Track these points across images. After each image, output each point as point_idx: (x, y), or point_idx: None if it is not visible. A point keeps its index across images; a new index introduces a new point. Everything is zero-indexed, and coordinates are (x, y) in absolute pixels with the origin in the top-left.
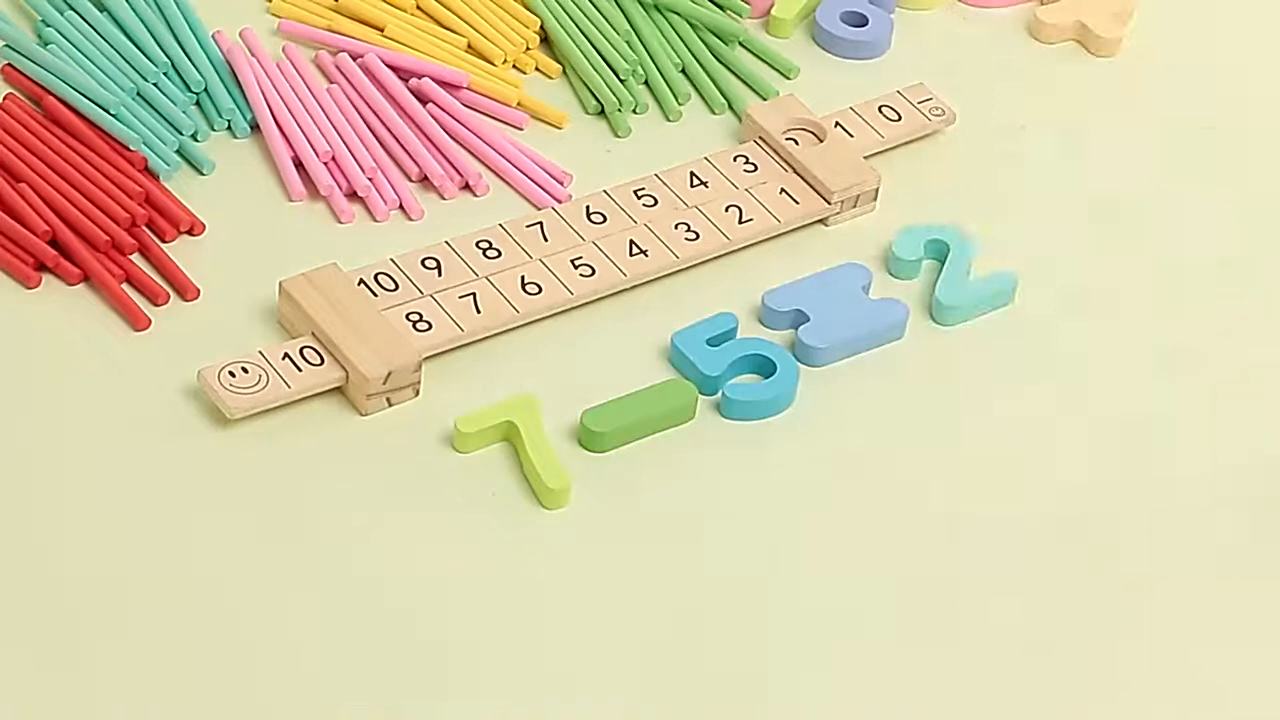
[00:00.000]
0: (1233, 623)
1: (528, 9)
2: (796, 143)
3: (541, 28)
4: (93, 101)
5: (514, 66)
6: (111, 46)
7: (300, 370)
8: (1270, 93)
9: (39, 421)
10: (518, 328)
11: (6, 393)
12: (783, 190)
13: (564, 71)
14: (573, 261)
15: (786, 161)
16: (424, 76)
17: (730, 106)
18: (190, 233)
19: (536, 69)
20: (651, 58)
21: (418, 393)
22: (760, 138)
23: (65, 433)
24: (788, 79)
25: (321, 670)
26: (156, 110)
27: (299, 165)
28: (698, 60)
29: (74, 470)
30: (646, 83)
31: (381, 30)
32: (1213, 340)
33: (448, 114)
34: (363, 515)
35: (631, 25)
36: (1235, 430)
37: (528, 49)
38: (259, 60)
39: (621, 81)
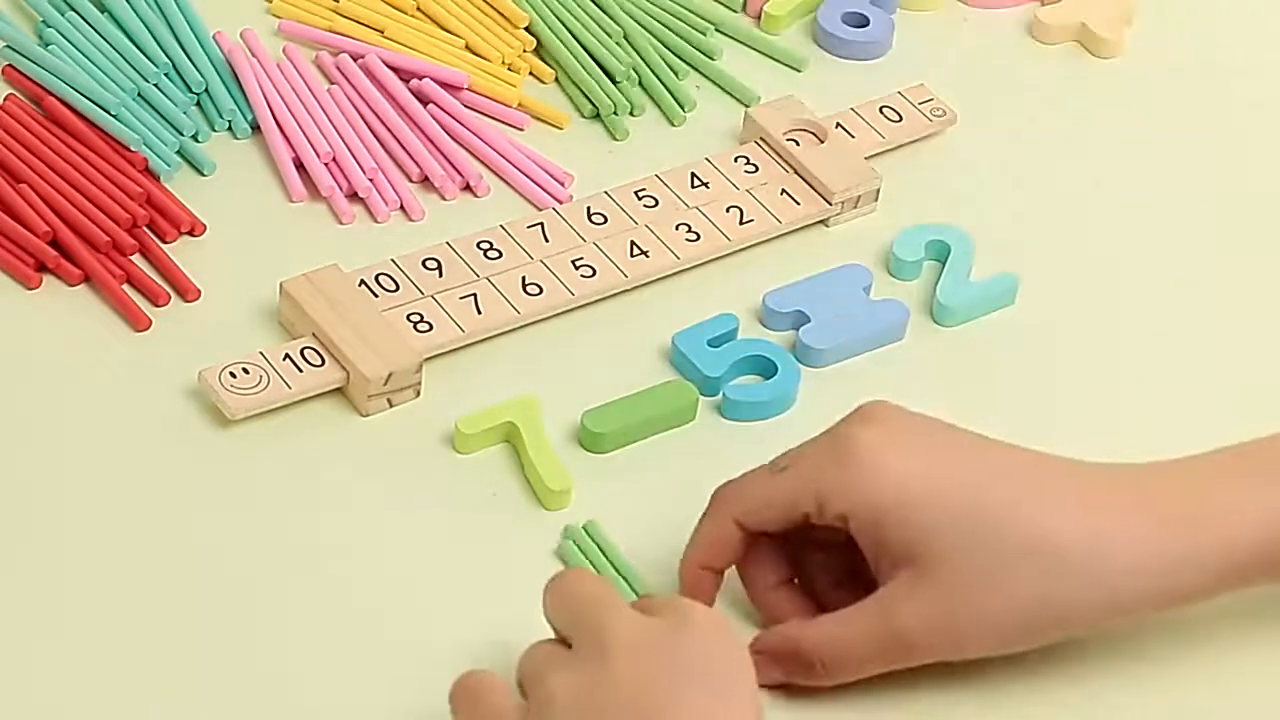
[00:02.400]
0: (1242, 627)
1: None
2: (797, 143)
3: (534, 33)
4: (93, 102)
5: (509, 69)
6: (112, 47)
7: (301, 371)
8: (1270, 93)
9: (39, 421)
10: (518, 328)
11: (6, 393)
12: (784, 191)
13: (556, 78)
14: (574, 262)
15: (787, 162)
16: (424, 77)
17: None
18: (191, 233)
19: (531, 74)
20: (646, 62)
21: (418, 393)
22: (761, 138)
23: (65, 433)
24: (798, 71)
25: (321, 670)
26: (157, 111)
27: (300, 166)
28: (688, 62)
29: (74, 470)
30: (642, 85)
31: (382, 32)
32: (1214, 341)
33: (448, 115)
34: (363, 515)
35: (621, 27)
36: (1236, 431)
37: (525, 51)
38: (260, 61)
39: (616, 84)
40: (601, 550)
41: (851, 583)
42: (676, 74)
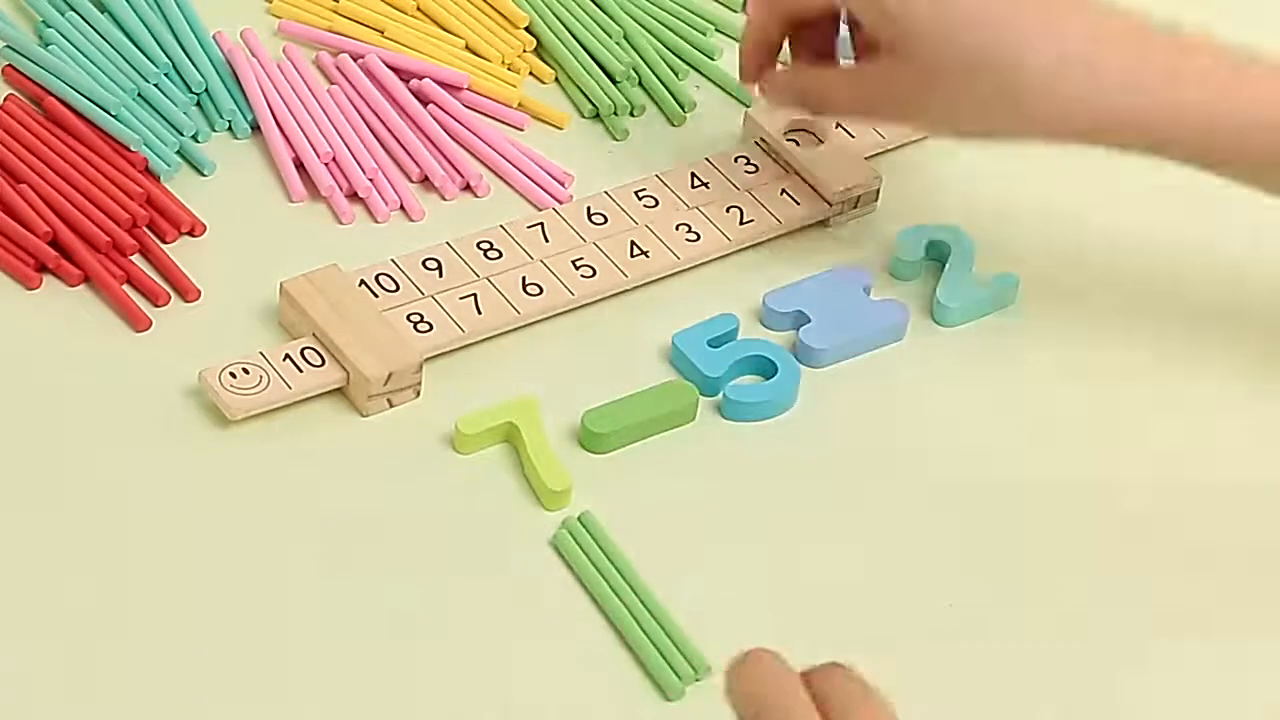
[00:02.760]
0: (1240, 621)
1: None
2: (798, 144)
3: (534, 33)
4: (93, 102)
5: (509, 69)
6: (112, 47)
7: (301, 371)
8: None
9: (39, 421)
10: (518, 329)
11: (6, 393)
12: (784, 191)
13: (556, 78)
14: (574, 262)
15: (787, 162)
16: (424, 77)
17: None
18: (191, 233)
19: (531, 74)
20: (646, 62)
21: (419, 394)
22: (761, 139)
23: (65, 433)
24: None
25: (321, 669)
26: (157, 111)
27: (300, 166)
28: (688, 62)
29: (74, 470)
30: (642, 85)
31: (382, 32)
32: (1214, 342)
33: (448, 115)
34: (363, 516)
35: (621, 27)
36: (1236, 430)
37: (525, 51)
38: (260, 61)
39: (616, 84)
40: (596, 541)
41: None
42: (676, 74)
